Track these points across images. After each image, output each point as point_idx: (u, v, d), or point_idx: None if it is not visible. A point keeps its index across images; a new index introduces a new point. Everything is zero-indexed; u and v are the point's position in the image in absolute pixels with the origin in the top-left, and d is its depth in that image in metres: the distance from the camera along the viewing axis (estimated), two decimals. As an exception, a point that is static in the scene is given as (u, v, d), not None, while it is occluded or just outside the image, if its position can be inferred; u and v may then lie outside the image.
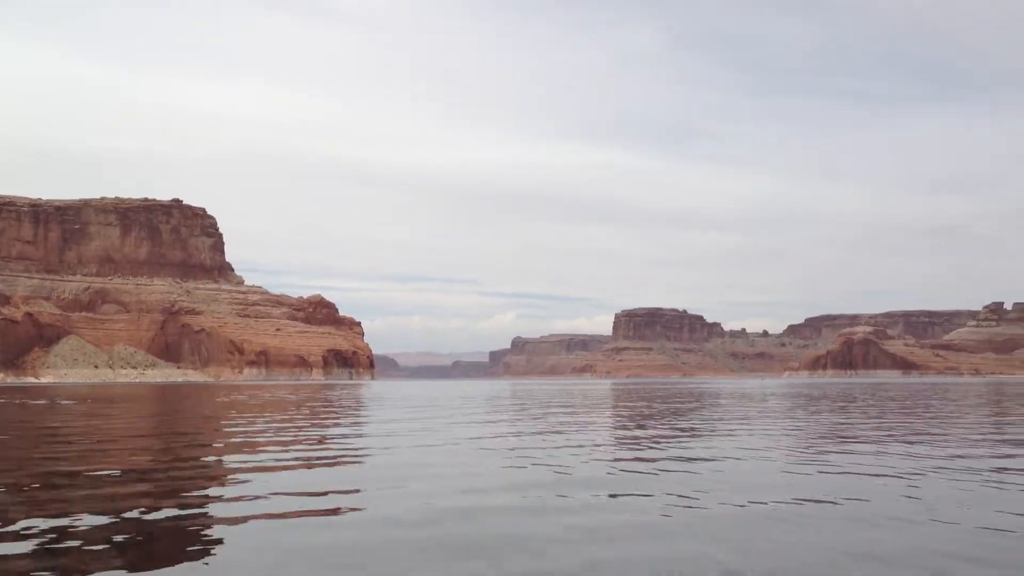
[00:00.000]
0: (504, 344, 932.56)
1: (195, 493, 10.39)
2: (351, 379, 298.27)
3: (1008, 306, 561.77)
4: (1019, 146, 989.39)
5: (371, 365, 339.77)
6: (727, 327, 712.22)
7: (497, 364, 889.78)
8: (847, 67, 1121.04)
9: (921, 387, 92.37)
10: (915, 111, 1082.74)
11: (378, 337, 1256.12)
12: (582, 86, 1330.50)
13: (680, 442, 17.45)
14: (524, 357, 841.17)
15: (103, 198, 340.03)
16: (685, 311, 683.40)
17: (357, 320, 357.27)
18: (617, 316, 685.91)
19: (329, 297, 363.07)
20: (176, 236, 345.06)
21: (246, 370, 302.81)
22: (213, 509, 9.17)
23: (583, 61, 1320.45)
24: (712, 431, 21.02)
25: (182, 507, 9.25)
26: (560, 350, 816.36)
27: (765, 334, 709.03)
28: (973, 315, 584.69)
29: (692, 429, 21.79)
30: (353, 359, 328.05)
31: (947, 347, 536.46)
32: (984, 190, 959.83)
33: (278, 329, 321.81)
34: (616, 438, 19.23)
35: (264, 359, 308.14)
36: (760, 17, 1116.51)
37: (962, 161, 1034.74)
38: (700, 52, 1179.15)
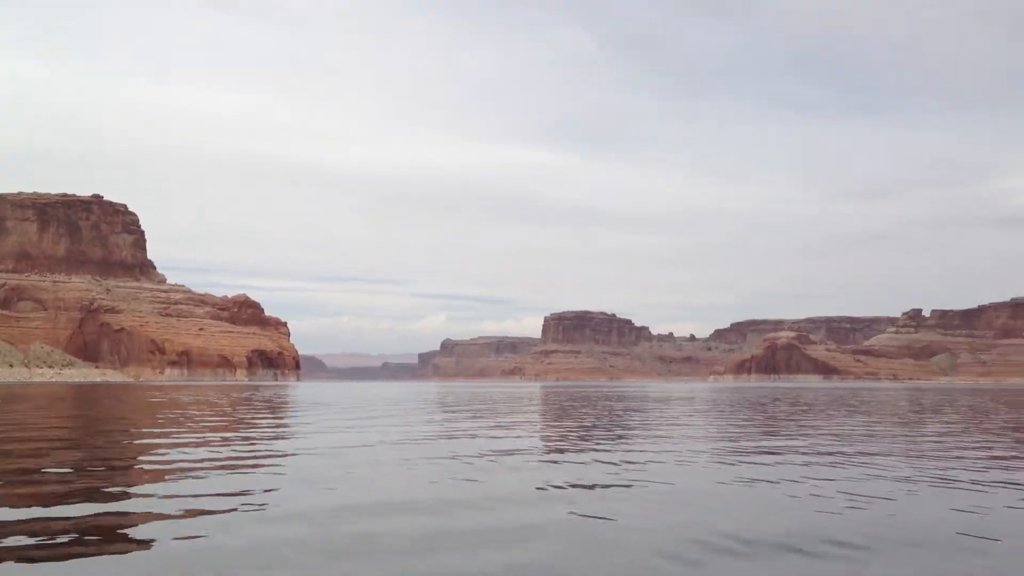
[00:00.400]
0: (434, 346, 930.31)
1: (104, 491, 10.26)
2: (276, 380, 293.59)
3: (926, 313, 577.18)
4: (933, 155, 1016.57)
5: (297, 366, 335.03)
6: (655, 331, 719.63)
7: (426, 366, 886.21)
8: (773, 72, 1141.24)
9: (826, 392, 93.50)
10: (837, 118, 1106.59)
11: (306, 338, 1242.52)
12: (510, 86, 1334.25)
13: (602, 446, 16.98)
14: (453, 359, 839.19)
15: (20, 193, 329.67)
16: (614, 315, 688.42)
17: (283, 320, 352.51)
18: (546, 319, 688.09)
19: (256, 297, 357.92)
20: (96, 233, 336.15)
21: (167, 370, 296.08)
22: (120, 507, 9.13)
23: (510, 62, 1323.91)
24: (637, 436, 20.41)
25: (91, 501, 9.38)
26: (489, 352, 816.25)
27: (692, 338, 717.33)
28: (893, 322, 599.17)
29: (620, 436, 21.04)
30: (278, 360, 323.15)
31: (867, 352, 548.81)
32: (902, 198, 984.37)
33: (201, 329, 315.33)
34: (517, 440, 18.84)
35: (186, 359, 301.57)
36: (684, 20, 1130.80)
37: (881, 169, 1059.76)
38: (627, 54, 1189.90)
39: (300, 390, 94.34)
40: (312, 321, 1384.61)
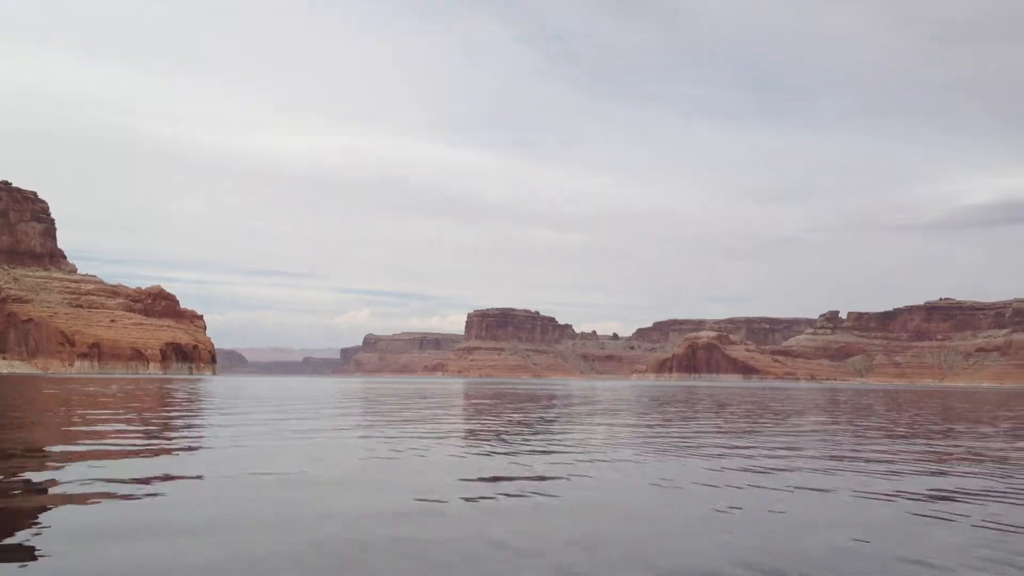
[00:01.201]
0: (356, 341, 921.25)
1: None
2: (191, 374, 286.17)
3: (843, 315, 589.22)
4: (853, 159, 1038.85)
5: (213, 360, 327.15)
6: (578, 329, 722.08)
7: (348, 361, 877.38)
8: (693, 75, 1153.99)
9: (741, 391, 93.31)
10: (755, 121, 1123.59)
11: (228, 331, 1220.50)
12: (432, 81, 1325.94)
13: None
14: (376, 355, 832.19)
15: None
16: (537, 312, 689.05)
17: (199, 313, 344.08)
18: (470, 316, 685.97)
19: (177, 289, 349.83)
20: (4, 220, 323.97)
21: (77, 362, 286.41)
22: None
23: (432, 57, 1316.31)
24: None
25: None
26: (413, 348, 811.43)
27: (615, 337, 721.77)
28: (811, 323, 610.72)
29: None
30: (194, 353, 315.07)
31: (786, 353, 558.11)
32: (821, 202, 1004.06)
33: (113, 320, 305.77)
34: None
35: (97, 352, 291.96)
36: (606, 20, 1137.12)
37: (802, 173, 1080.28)
38: (547, 53, 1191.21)
39: (213, 384, 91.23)
40: (236, 315, 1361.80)
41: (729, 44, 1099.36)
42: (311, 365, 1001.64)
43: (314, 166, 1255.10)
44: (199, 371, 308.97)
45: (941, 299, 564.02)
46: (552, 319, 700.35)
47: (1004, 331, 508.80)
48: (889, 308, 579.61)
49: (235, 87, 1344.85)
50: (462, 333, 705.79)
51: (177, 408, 31.31)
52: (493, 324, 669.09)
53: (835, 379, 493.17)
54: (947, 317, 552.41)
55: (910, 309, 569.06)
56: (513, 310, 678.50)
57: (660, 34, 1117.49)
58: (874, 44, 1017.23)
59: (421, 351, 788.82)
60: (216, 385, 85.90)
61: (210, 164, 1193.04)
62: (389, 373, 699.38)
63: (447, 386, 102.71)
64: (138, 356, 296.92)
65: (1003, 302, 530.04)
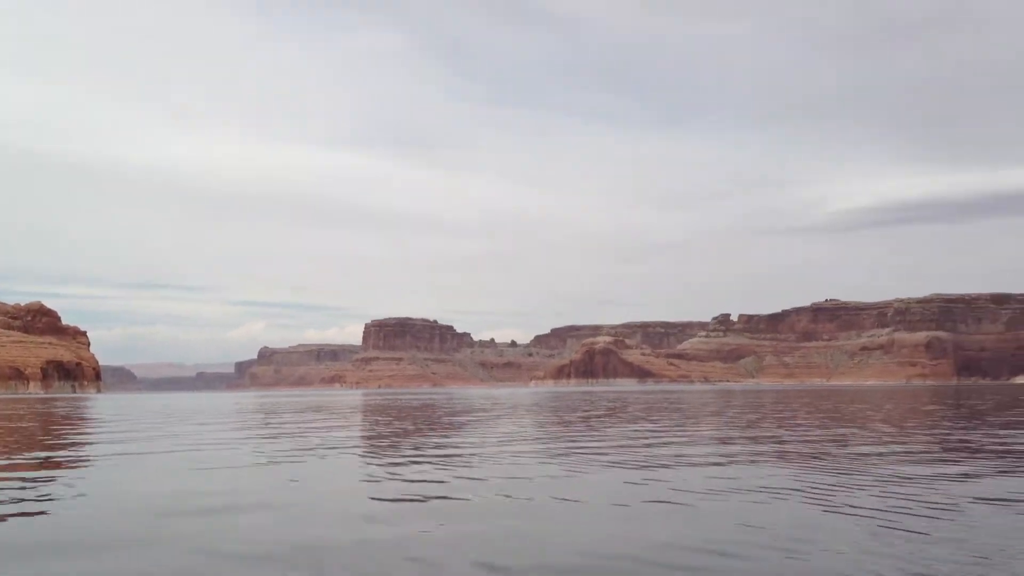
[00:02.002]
0: (251, 354, 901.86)
1: None
2: (74, 392, 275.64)
3: (734, 318, 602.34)
4: (739, 166, 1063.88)
5: (97, 377, 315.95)
6: (477, 337, 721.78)
7: (243, 375, 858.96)
8: (588, 83, 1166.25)
9: (618, 395, 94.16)
10: (650, 129, 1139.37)
11: (117, 348, 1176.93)
12: (320, 88, 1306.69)
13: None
14: (272, 368, 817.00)
15: None
16: (435, 321, 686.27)
17: (83, 329, 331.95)
18: (367, 326, 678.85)
19: (64, 305, 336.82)
20: None
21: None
22: None
23: (319, 63, 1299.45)
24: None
25: None
26: (309, 360, 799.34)
27: (513, 344, 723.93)
28: (704, 326, 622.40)
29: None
30: (77, 371, 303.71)
31: (680, 356, 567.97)
32: (712, 207, 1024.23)
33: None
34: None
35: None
36: (496, 28, 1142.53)
37: (691, 179, 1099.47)
38: (439, 59, 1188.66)
39: (92, 402, 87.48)
40: (125, 330, 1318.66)
41: (621, 53, 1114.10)
42: (204, 380, 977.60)
43: (210, 177, 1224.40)
44: (83, 389, 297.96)
45: (827, 300, 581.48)
46: (450, 327, 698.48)
47: (887, 330, 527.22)
48: (778, 310, 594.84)
49: (126, 97, 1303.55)
50: (360, 344, 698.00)
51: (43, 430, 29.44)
52: (391, 334, 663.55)
53: (728, 380, 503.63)
54: (833, 318, 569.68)
55: (797, 311, 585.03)
56: (411, 319, 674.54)
57: (555, 43, 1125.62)
58: (760, 53, 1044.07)
59: (318, 363, 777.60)
60: (87, 404, 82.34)
61: (100, 176, 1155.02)
62: (285, 386, 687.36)
63: (343, 398, 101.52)
64: (17, 375, 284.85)
65: (885, 302, 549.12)
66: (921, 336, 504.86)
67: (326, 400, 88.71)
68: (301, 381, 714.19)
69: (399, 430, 26.22)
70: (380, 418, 37.05)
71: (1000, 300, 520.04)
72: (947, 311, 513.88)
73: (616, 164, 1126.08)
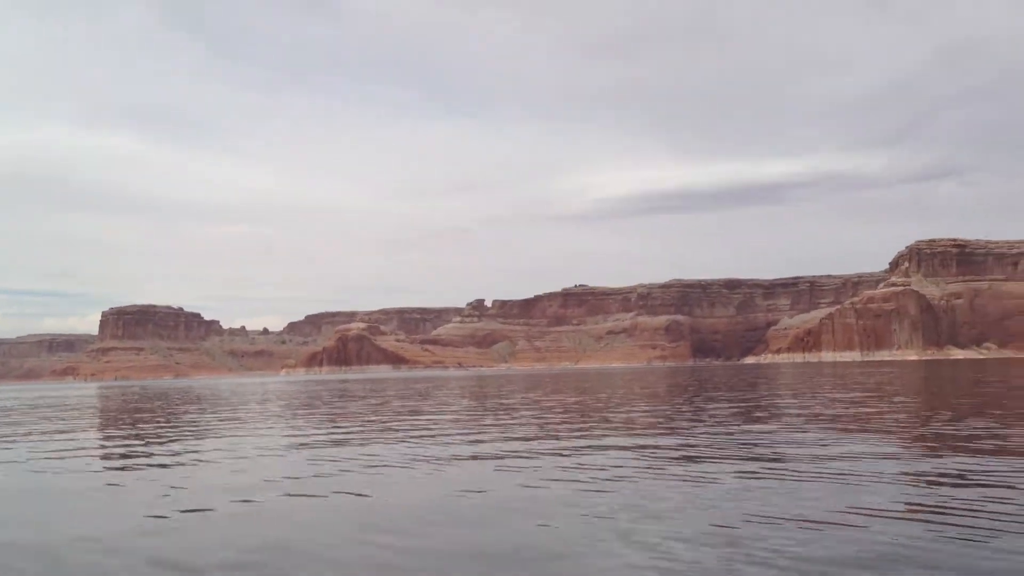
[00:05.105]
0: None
1: None
2: None
3: (488, 303, 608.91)
4: (496, 157, 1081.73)
5: None
6: (227, 325, 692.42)
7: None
8: (363, 71, 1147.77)
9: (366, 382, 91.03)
10: (418, 118, 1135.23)
11: None
12: (93, 71, 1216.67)
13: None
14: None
15: None
16: (181, 308, 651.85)
17: None
18: (104, 314, 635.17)
19: None
20: None
21: None
22: None
23: (94, 45, 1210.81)
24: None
25: None
26: (41, 351, 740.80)
27: (266, 331, 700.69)
28: (459, 312, 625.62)
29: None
30: None
31: (435, 342, 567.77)
32: (468, 196, 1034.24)
33: None
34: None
35: None
36: (273, 13, 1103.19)
37: (450, 168, 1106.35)
38: (207, 41, 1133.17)
39: None
40: None
41: (399, 40, 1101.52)
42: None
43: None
44: None
45: (576, 286, 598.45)
46: (198, 315, 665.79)
47: (631, 315, 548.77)
48: (531, 295, 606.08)
49: None
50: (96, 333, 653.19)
51: None
52: (131, 322, 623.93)
53: (482, 366, 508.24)
54: (581, 303, 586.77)
55: (549, 296, 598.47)
56: (154, 307, 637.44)
57: (330, 29, 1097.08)
58: (536, 50, 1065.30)
59: (51, 354, 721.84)
60: None
61: None
62: (12, 380, 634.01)
63: (71, 392, 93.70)
64: None
65: (630, 287, 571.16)
66: (662, 320, 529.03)
67: (54, 395, 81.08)
68: (29, 374, 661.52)
69: None
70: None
71: (732, 286, 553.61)
72: (685, 296, 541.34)
73: (380, 152, 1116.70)
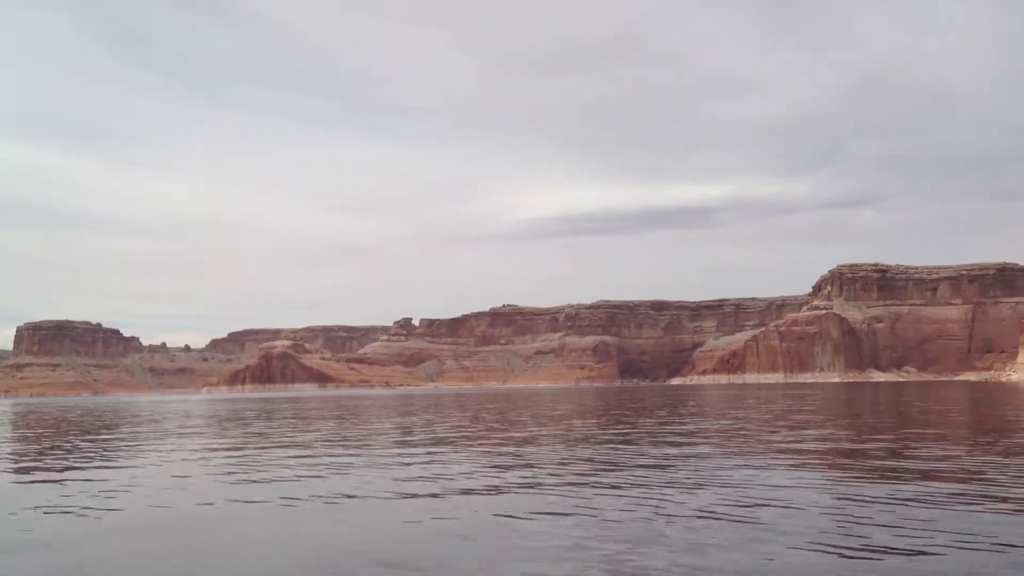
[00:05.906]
0: None
1: None
2: None
3: (416, 322, 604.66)
4: (430, 175, 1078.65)
5: None
6: (147, 341, 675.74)
7: None
8: (282, 85, 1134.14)
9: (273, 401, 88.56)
10: (336, 134, 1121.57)
11: None
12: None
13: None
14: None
15: None
16: (99, 324, 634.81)
17: None
18: (19, 329, 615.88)
19: None
20: None
21: None
22: None
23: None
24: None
25: None
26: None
27: (187, 348, 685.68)
28: (386, 330, 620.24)
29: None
30: None
31: (361, 361, 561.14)
32: (396, 213, 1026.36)
33: None
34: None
35: None
36: (188, 23, 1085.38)
37: (377, 185, 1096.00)
38: (117, 50, 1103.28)
39: None
40: None
41: (326, 55, 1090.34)
42: None
43: None
44: None
45: (504, 305, 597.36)
46: (117, 331, 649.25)
47: (559, 335, 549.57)
48: (458, 315, 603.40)
49: None
50: (10, 349, 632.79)
51: None
52: (47, 338, 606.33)
53: (409, 385, 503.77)
54: (510, 322, 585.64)
55: (477, 315, 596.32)
56: (71, 322, 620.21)
57: (246, 41, 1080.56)
58: (464, 67, 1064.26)
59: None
60: None
61: None
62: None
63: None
64: None
65: (558, 307, 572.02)
66: (589, 340, 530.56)
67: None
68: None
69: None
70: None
71: (659, 307, 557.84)
72: (612, 317, 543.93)
73: (304, 167, 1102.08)
